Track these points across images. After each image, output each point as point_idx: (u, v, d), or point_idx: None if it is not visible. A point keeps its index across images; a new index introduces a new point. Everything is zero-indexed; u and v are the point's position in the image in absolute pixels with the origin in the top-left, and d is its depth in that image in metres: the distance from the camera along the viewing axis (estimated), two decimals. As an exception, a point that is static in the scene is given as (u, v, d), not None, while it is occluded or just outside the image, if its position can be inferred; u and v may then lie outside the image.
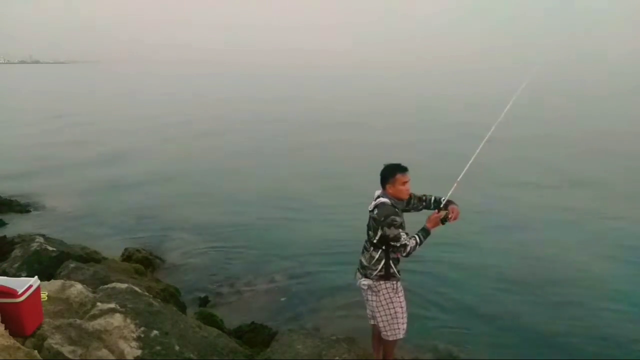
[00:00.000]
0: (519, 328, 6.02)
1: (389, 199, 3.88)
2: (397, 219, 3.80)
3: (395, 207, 3.87)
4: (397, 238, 3.77)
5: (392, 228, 3.76)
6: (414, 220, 4.13)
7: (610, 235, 9.20)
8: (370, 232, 3.96)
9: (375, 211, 3.87)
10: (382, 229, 3.79)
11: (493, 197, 11.78)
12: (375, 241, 3.89)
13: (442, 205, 4.01)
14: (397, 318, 4.01)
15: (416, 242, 3.83)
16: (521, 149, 17.81)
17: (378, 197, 3.95)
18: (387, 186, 3.92)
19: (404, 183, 3.91)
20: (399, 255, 3.92)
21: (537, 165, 15.54)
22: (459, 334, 5.86)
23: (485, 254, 8.29)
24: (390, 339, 4.09)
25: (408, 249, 3.81)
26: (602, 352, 5.54)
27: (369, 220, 3.98)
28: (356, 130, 23.28)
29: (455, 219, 3.91)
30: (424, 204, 4.13)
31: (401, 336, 4.09)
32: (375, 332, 4.26)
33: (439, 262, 7.63)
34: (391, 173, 3.91)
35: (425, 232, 3.89)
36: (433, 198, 4.12)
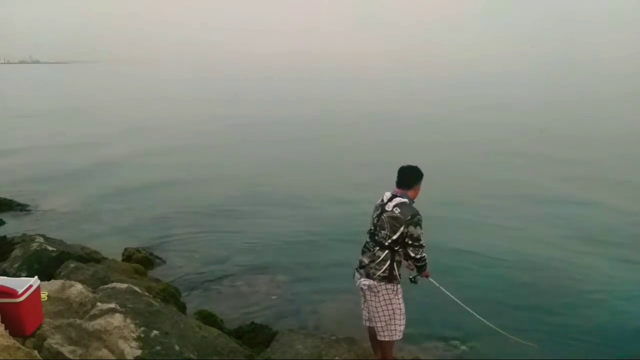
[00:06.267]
0: (519, 328, 6.01)
1: (409, 199, 3.90)
2: (422, 219, 3.85)
3: None
4: (420, 238, 3.83)
5: (418, 227, 3.81)
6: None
7: (610, 232, 9.20)
8: (383, 232, 3.87)
9: (397, 210, 3.80)
10: (407, 227, 3.78)
11: (492, 200, 11.78)
12: (389, 241, 3.84)
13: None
14: (394, 319, 4.00)
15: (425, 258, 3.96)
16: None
17: (394, 197, 3.90)
18: (415, 188, 3.98)
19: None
20: (407, 257, 3.94)
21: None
22: (459, 334, 5.85)
23: (484, 254, 8.28)
24: (386, 339, 4.07)
25: (424, 253, 3.90)
26: (603, 352, 5.54)
27: (381, 219, 3.90)
28: (362, 134, 23.20)
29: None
30: None
31: (397, 338, 4.08)
32: (372, 333, 4.25)
33: (438, 263, 7.61)
34: (420, 176, 4.01)
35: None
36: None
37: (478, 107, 33.20)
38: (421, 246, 3.86)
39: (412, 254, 3.87)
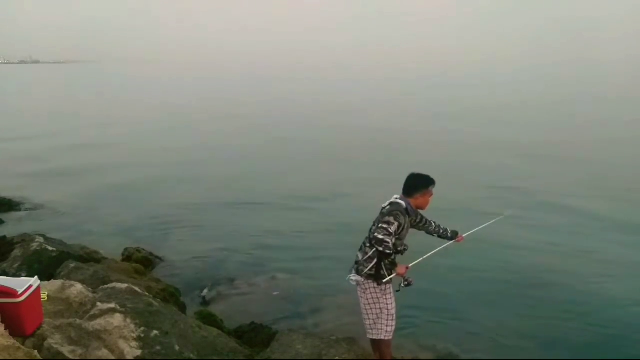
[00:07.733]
0: (519, 328, 6.01)
1: (406, 204, 4.00)
2: (401, 218, 3.90)
3: (407, 212, 3.98)
4: (388, 223, 3.84)
5: (392, 218, 3.86)
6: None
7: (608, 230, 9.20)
8: (373, 227, 4.03)
9: (388, 207, 3.99)
10: (383, 217, 3.90)
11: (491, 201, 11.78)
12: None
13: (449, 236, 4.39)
14: (381, 319, 4.04)
15: (390, 251, 3.80)
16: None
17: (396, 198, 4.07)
18: (418, 195, 4.03)
19: (431, 195, 4.09)
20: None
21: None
22: (459, 334, 5.86)
23: (483, 254, 8.27)
24: (373, 337, 4.14)
25: (386, 238, 3.77)
26: (603, 352, 5.54)
27: (377, 217, 4.06)
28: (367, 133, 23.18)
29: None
30: (440, 231, 4.35)
31: (383, 337, 4.10)
32: None
33: (438, 264, 7.61)
34: (426, 184, 4.06)
35: (394, 263, 3.88)
36: (449, 233, 4.36)
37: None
38: (386, 230, 3.80)
39: (375, 234, 3.84)
